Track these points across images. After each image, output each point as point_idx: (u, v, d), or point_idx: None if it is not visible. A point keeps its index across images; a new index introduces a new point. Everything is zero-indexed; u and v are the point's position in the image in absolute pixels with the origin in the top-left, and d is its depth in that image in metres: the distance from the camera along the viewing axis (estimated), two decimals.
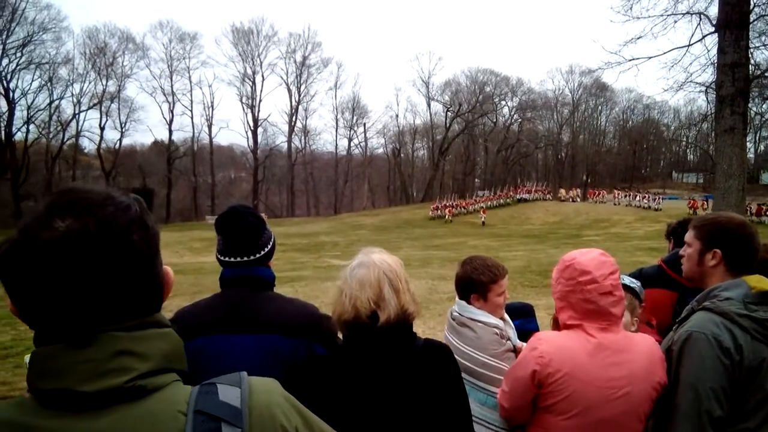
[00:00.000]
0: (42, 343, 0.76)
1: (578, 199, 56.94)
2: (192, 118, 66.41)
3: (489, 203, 53.26)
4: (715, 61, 9.35)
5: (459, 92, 71.12)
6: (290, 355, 1.63)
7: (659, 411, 1.71)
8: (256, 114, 67.51)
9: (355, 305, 1.55)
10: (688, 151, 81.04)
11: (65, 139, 57.83)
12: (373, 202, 75.11)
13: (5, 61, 51.01)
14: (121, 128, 60.34)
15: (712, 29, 9.59)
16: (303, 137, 71.33)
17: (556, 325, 1.89)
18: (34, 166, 54.83)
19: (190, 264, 23.71)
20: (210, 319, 1.66)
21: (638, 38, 11.06)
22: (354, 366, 1.56)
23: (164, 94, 63.93)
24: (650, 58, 11.09)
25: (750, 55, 9.20)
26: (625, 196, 53.97)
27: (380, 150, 77.41)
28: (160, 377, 0.77)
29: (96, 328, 0.75)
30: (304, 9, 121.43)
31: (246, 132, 68.35)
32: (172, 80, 64.08)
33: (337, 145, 73.27)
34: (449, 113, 70.60)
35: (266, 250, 1.80)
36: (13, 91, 52.39)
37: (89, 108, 57.72)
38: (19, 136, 53.70)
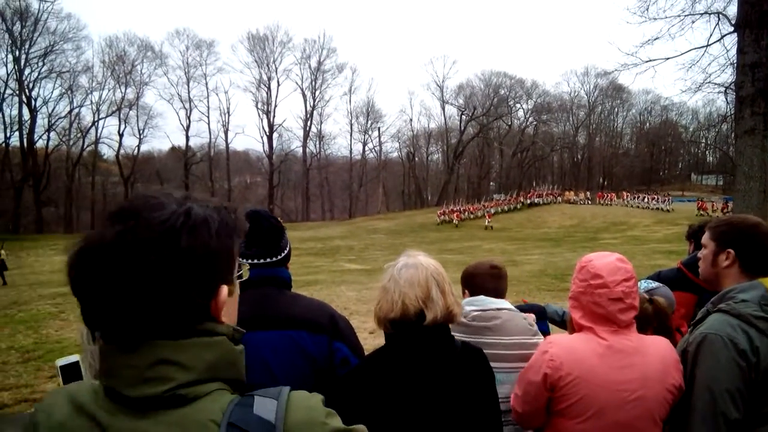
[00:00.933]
0: (104, 339, 0.78)
1: (588, 202, 56.34)
2: (209, 124, 67.14)
3: (498, 208, 52.85)
4: (735, 61, 9.21)
5: (473, 95, 70.96)
6: (314, 350, 1.70)
7: (675, 413, 1.69)
8: (272, 119, 68.09)
9: (404, 303, 1.57)
10: (707, 152, 79.66)
11: (85, 146, 58.92)
12: (387, 206, 75.11)
13: (27, 70, 52.31)
14: (140, 135, 61.35)
15: (731, 29, 9.46)
16: (318, 142, 71.74)
17: (572, 325, 1.89)
18: (54, 173, 55.95)
19: None
20: (238, 316, 1.73)
21: (655, 39, 10.94)
22: (399, 363, 1.58)
23: (181, 101, 64.78)
24: (668, 59, 10.96)
25: None
26: (634, 197, 53.56)
27: (394, 154, 77.61)
28: (203, 386, 0.77)
29: (140, 334, 0.76)
30: (319, 15, 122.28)
31: (261, 137, 68.98)
32: (189, 87, 64.91)
33: (351, 149, 73.64)
34: (464, 116, 70.45)
35: (286, 251, 1.89)
36: (35, 100, 53.75)
37: (108, 115, 58.80)
38: (40, 144, 54.94)
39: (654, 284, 2.48)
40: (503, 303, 2.11)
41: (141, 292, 0.74)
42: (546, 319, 2.65)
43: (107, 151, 62.97)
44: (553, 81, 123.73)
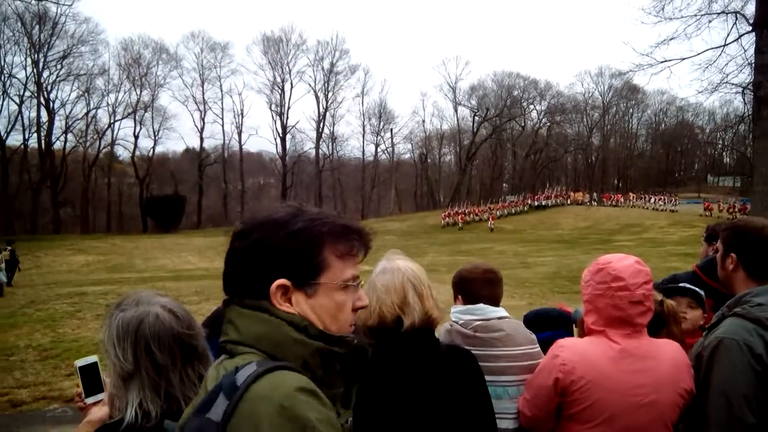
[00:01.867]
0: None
1: (594, 203, 55.69)
2: (222, 125, 67.66)
3: (503, 211, 52.29)
4: (753, 61, 9.10)
5: (486, 96, 70.58)
6: None
7: (689, 419, 1.67)
8: (285, 121, 68.38)
9: (380, 310, 1.56)
10: (724, 153, 78.53)
11: (101, 148, 59.67)
12: (399, 208, 75.08)
13: (46, 73, 53.13)
14: (155, 136, 61.94)
15: (749, 28, 9.34)
16: (330, 143, 71.87)
17: (582, 330, 1.86)
18: (71, 174, 56.73)
19: (221, 269, 24.10)
20: None
21: (671, 39, 10.84)
22: (379, 370, 1.56)
23: (196, 103, 65.32)
24: (683, 59, 10.86)
25: None
26: (639, 198, 53.42)
27: (407, 155, 77.45)
28: (242, 348, 0.94)
29: (232, 299, 1.01)
30: (332, 16, 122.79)
31: (275, 139, 69.24)
32: (203, 89, 65.43)
33: (364, 150, 73.58)
34: (476, 118, 70.18)
35: None
36: (53, 102, 54.53)
37: (124, 117, 59.44)
38: (57, 145, 55.70)
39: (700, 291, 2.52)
40: (502, 311, 2.03)
41: (229, 269, 1.01)
42: (562, 328, 2.49)
43: (123, 153, 63.71)
44: (566, 82, 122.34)
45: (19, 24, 49.33)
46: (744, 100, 12.76)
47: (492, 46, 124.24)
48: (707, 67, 10.77)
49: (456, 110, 72.87)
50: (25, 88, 52.10)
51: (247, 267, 0.98)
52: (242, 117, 68.19)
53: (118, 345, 1.31)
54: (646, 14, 10.92)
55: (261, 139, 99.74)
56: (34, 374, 6.83)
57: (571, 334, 2.38)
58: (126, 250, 34.40)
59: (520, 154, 72.12)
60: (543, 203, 54.73)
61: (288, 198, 67.94)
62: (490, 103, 69.40)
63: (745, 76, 10.90)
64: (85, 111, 56.59)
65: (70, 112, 55.87)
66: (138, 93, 59.61)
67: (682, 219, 41.68)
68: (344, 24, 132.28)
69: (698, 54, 10.74)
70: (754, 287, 1.73)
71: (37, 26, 50.37)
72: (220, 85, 66.16)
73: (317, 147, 69.95)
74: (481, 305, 2.01)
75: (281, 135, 68.19)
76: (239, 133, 68.35)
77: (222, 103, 67.11)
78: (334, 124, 71.47)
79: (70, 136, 56.64)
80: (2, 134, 50.84)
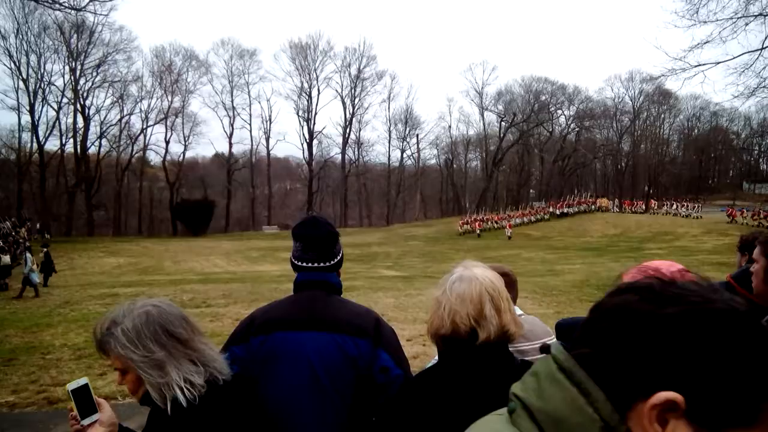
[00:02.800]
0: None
1: (616, 209, 54.60)
2: (251, 131, 69.23)
3: (523, 219, 51.60)
4: None
5: (513, 101, 70.06)
6: (356, 354, 1.73)
7: None
8: (312, 126, 69.17)
9: (453, 320, 1.48)
10: (760, 160, 76.23)
11: (134, 153, 61.41)
12: (425, 213, 74.95)
13: (82, 81, 55.05)
14: (185, 142, 63.43)
15: None
16: (356, 149, 72.35)
17: None
18: (105, 178, 58.50)
19: (248, 273, 24.43)
20: (288, 317, 1.82)
21: (705, 43, 10.61)
22: (451, 383, 1.49)
23: (225, 109, 66.68)
24: (718, 63, 10.62)
25: None
26: (663, 205, 52.60)
27: (433, 161, 77.39)
28: (523, 413, 0.70)
29: (563, 351, 0.68)
30: (359, 22, 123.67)
31: (302, 144, 70.16)
32: (232, 95, 66.77)
33: (389, 156, 73.90)
34: (503, 123, 69.68)
35: (339, 257, 1.94)
36: (89, 108, 56.46)
37: (156, 123, 61.14)
38: (92, 150, 57.61)
39: None
40: (518, 309, 2.08)
41: (612, 329, 0.64)
42: None
43: (154, 157, 65.47)
44: (595, 86, 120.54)
45: (59, 33, 51.24)
46: None
47: (519, 51, 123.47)
48: (743, 71, 10.52)
49: (482, 115, 72.64)
50: (63, 95, 54.16)
51: (638, 352, 0.59)
52: (270, 123, 69.39)
53: (138, 345, 1.39)
54: (680, 17, 10.72)
55: (288, 145, 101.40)
56: (69, 372, 7.02)
57: None
58: (156, 253, 35.17)
59: (548, 160, 71.22)
60: (565, 211, 53.56)
61: (314, 203, 68.70)
62: (517, 108, 68.86)
63: None
64: (118, 117, 58.56)
65: (104, 118, 57.98)
66: (169, 99, 61.30)
67: (716, 227, 40.53)
68: (371, 30, 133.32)
69: (734, 58, 10.50)
70: None
71: (75, 35, 52.21)
72: (249, 92, 67.53)
73: (343, 152, 70.49)
74: None
75: (308, 140, 68.99)
76: (267, 139, 69.54)
77: (250, 109, 68.49)
78: (360, 129, 72.12)
79: (104, 142, 58.73)
80: (41, 140, 52.78)
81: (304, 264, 1.88)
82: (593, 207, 55.22)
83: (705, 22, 10.43)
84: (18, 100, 51.19)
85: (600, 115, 71.91)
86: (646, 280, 0.67)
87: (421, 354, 7.17)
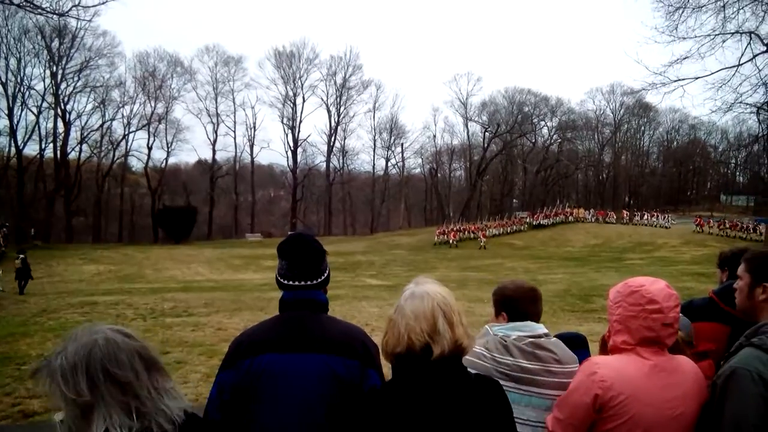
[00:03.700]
0: None
1: (593, 220, 55.21)
2: (235, 138, 68.24)
3: (500, 230, 51.77)
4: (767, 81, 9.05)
5: (497, 112, 70.71)
6: (345, 375, 1.72)
7: None
8: (296, 134, 68.91)
9: (409, 337, 1.51)
10: (737, 172, 77.86)
11: (115, 158, 60.48)
12: (409, 222, 75.00)
13: (63, 85, 54.15)
14: (168, 148, 62.57)
15: (764, 48, 9.33)
16: (341, 157, 72.22)
17: (604, 348, 1.90)
18: (85, 184, 57.53)
19: (231, 281, 24.19)
20: (274, 338, 1.78)
21: (684, 58, 10.86)
22: (407, 400, 1.50)
23: (209, 116, 66.06)
24: (697, 78, 10.87)
25: None
26: (634, 215, 54.09)
27: (417, 170, 77.42)
28: None
29: None
30: (345, 31, 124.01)
31: (286, 152, 69.73)
32: (217, 102, 66.20)
33: (374, 165, 73.83)
34: (487, 133, 70.27)
35: (325, 275, 1.92)
36: (70, 113, 55.47)
37: (138, 129, 60.26)
38: (72, 155, 56.58)
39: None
40: (544, 328, 2.11)
41: None
42: (588, 348, 2.57)
43: (136, 164, 64.51)
44: (578, 98, 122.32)
45: (40, 37, 50.46)
46: (759, 119, 12.71)
47: (504, 62, 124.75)
48: (721, 87, 10.78)
49: (467, 126, 73.16)
50: (43, 100, 53.17)
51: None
52: (254, 130, 68.99)
53: (68, 380, 1.24)
54: (660, 33, 10.98)
55: (272, 152, 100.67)
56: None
57: (589, 354, 2.45)
58: (137, 261, 34.63)
59: (531, 170, 72.00)
60: (542, 222, 53.59)
61: (298, 211, 68.35)
62: (501, 119, 69.56)
63: (760, 95, 10.88)
64: (100, 122, 57.63)
65: (85, 123, 57.03)
66: (152, 105, 60.60)
67: (693, 238, 41.31)
68: (358, 39, 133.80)
69: (712, 73, 10.75)
70: None
71: (57, 39, 51.45)
72: (233, 99, 67.10)
73: (328, 160, 70.36)
74: (528, 322, 2.10)
75: (292, 148, 68.76)
76: (251, 146, 69.13)
77: (235, 116, 67.98)
78: (345, 138, 71.98)
79: (85, 147, 57.71)
80: (19, 144, 51.76)
81: (291, 282, 1.85)
82: (571, 218, 55.59)
83: (684, 38, 10.69)
84: None
85: (582, 127, 73.04)
86: None
87: None
